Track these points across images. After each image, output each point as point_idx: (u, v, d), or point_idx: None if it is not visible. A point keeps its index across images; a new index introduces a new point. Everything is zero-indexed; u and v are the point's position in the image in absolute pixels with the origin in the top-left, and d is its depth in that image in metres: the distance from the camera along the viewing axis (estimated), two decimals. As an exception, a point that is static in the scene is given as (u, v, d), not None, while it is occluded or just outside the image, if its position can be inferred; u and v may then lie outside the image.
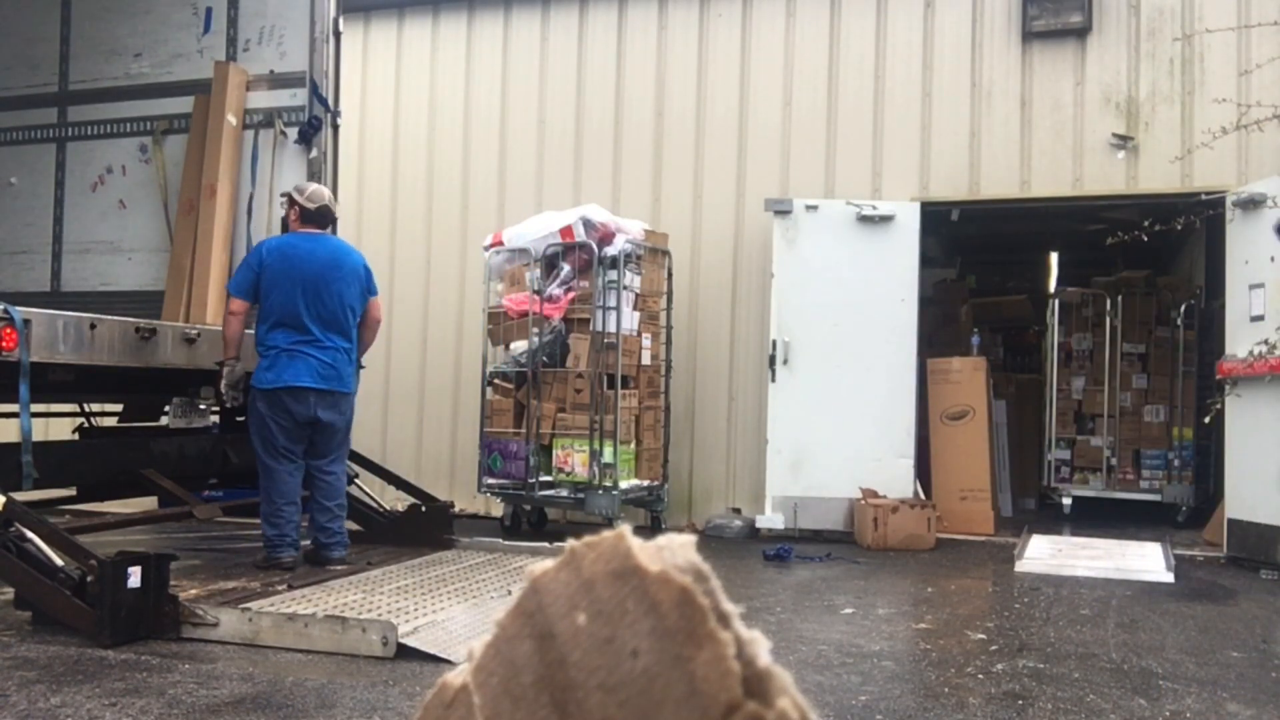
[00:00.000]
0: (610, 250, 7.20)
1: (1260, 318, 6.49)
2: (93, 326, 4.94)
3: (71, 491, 5.97)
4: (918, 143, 7.90)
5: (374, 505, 6.64)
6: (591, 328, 7.17)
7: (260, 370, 5.34)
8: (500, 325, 7.58)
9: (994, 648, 4.40)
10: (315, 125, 6.38)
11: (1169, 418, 8.97)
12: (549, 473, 7.30)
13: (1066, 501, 8.90)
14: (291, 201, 5.59)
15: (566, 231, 7.30)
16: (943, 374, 8.15)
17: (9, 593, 4.51)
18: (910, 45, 7.97)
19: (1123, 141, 7.53)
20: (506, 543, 6.39)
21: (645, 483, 7.50)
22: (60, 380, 5.12)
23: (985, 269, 11.54)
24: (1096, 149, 7.60)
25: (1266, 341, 6.25)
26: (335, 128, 6.46)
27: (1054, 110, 7.68)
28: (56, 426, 6.83)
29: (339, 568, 5.49)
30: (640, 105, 8.54)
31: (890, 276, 7.58)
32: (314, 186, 5.71)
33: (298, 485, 5.42)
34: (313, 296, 5.35)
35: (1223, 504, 6.98)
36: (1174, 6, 7.49)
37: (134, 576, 4.12)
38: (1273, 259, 6.48)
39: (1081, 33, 7.65)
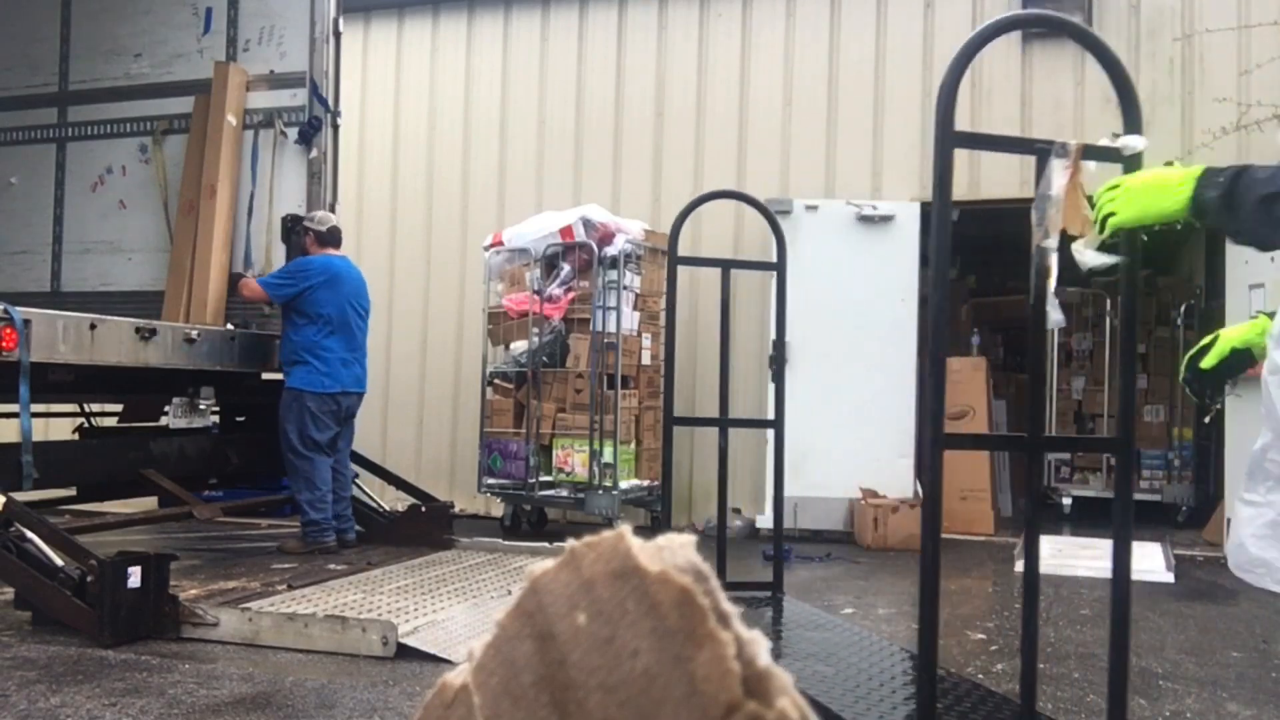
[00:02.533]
0: (610, 250, 7.19)
1: (1260, 318, 6.48)
2: (93, 326, 4.94)
3: (71, 491, 5.98)
4: (918, 143, 7.89)
5: (374, 505, 6.66)
6: (591, 328, 7.16)
7: (316, 375, 5.90)
8: (500, 325, 7.58)
9: (994, 648, 4.40)
10: (315, 125, 6.39)
11: (1169, 418, 8.96)
12: (549, 473, 7.29)
13: (1066, 501, 8.89)
14: (305, 229, 6.10)
15: (566, 231, 7.29)
16: (942, 374, 8.13)
17: (9, 593, 4.51)
18: (910, 45, 7.96)
19: (1123, 141, 7.51)
20: (506, 543, 6.39)
21: (645, 483, 7.50)
22: (60, 380, 5.13)
23: (985, 269, 11.51)
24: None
25: (1266, 341, 6.24)
26: (335, 128, 6.47)
27: (1054, 110, 7.67)
28: (56, 426, 6.83)
29: (339, 567, 5.52)
30: (640, 105, 8.53)
31: (890, 276, 7.58)
32: (321, 213, 6.22)
33: (331, 475, 6.03)
34: (352, 310, 6.06)
35: (1223, 504, 6.98)
36: (1174, 6, 7.48)
37: (134, 576, 4.12)
38: (1273, 259, 6.47)
39: (1081, 33, 7.63)
